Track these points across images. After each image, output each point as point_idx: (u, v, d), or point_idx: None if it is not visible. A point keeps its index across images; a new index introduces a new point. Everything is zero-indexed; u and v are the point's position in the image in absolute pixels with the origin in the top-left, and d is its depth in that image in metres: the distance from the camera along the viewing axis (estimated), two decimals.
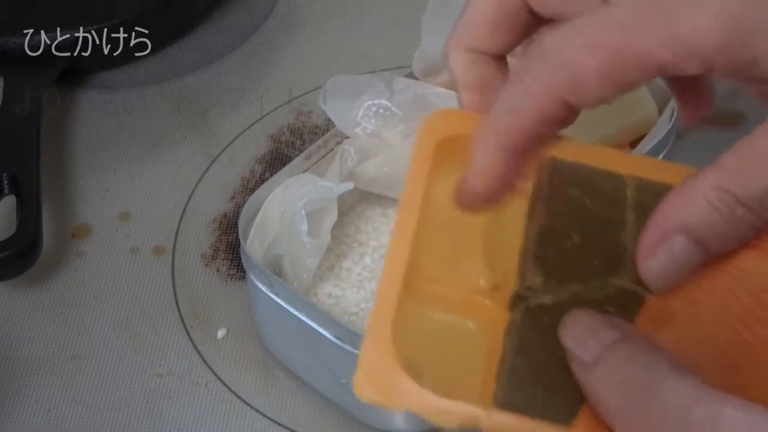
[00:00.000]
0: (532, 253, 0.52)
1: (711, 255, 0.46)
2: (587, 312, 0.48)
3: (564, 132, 0.71)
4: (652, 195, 0.50)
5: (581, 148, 0.52)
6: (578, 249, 0.51)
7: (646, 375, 0.45)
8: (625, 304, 0.50)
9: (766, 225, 0.45)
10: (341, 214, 0.74)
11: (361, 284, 0.74)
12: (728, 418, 0.42)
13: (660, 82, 0.76)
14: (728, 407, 0.42)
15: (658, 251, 0.46)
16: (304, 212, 0.71)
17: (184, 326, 0.79)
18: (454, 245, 0.54)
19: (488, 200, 0.49)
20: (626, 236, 0.50)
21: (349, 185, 0.73)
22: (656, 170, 0.51)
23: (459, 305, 0.53)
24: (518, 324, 0.50)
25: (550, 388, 0.49)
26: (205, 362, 0.77)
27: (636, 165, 0.52)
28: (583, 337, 0.47)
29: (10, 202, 0.80)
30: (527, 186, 0.52)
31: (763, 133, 0.44)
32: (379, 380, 0.48)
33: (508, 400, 0.48)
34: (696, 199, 0.45)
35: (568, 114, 0.47)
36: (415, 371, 0.48)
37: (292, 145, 0.88)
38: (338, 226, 0.75)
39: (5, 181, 0.80)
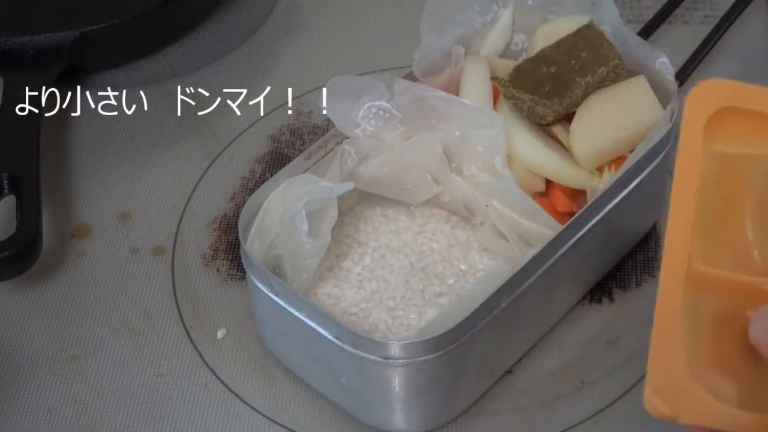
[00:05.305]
0: None
1: None
2: None
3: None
4: None
5: None
6: None
7: None
8: None
9: None
10: (341, 214, 0.74)
11: (360, 284, 0.74)
12: None
13: (659, 82, 0.76)
14: None
15: None
16: (304, 212, 0.71)
17: (184, 326, 0.79)
18: (725, 223, 0.51)
19: None
20: None
21: (349, 185, 0.73)
22: None
23: (736, 288, 0.49)
24: None
25: None
26: (205, 362, 0.77)
27: None
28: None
29: (10, 202, 0.80)
30: None
31: None
32: (670, 394, 0.45)
33: None
34: None
35: None
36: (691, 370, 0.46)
37: (292, 145, 0.88)
38: (338, 226, 0.75)
39: (5, 181, 0.80)
